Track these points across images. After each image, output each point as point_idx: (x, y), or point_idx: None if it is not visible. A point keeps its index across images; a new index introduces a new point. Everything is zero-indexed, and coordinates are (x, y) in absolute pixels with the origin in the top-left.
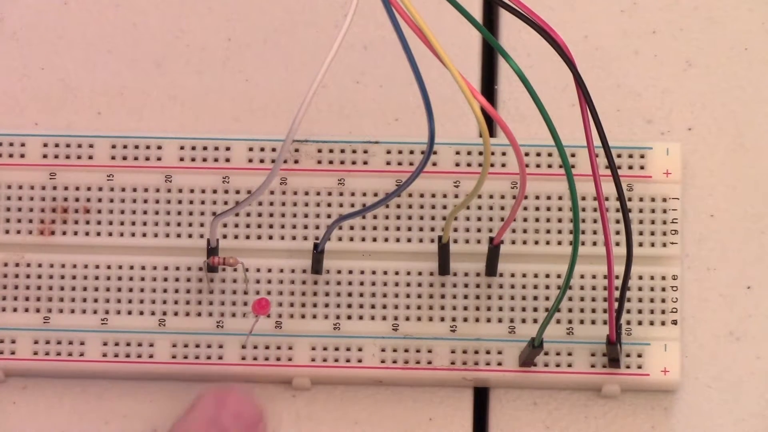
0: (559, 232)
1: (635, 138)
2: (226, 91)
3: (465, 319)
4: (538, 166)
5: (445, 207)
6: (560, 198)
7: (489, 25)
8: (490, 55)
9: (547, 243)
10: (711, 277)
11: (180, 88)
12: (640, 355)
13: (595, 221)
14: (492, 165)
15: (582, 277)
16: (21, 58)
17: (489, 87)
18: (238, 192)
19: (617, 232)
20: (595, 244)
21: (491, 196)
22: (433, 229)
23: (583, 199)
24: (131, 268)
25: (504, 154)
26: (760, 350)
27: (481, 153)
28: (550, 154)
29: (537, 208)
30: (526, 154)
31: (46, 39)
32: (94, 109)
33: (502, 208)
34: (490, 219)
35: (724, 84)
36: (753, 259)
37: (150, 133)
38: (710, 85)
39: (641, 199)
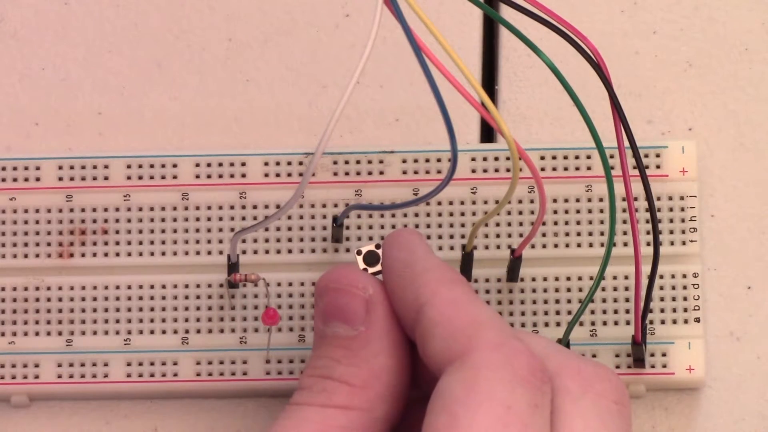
0: (578, 234)
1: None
2: (227, 91)
3: None
4: (554, 169)
5: (462, 214)
6: (578, 200)
7: (489, 23)
8: (491, 55)
9: (567, 246)
10: (711, 277)
11: (180, 88)
12: (664, 354)
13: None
14: (507, 170)
15: (603, 278)
16: (21, 58)
17: (489, 87)
18: (255, 207)
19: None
20: (614, 245)
21: (509, 201)
22: (452, 237)
23: (600, 200)
24: (152, 287)
25: (519, 158)
26: (760, 350)
27: (497, 158)
28: (554, 157)
29: (555, 212)
30: (541, 158)
31: (46, 39)
32: (94, 109)
33: (520, 213)
34: (509, 224)
35: (724, 84)
36: (753, 259)
37: (165, 151)
38: (710, 85)
39: (659, 198)
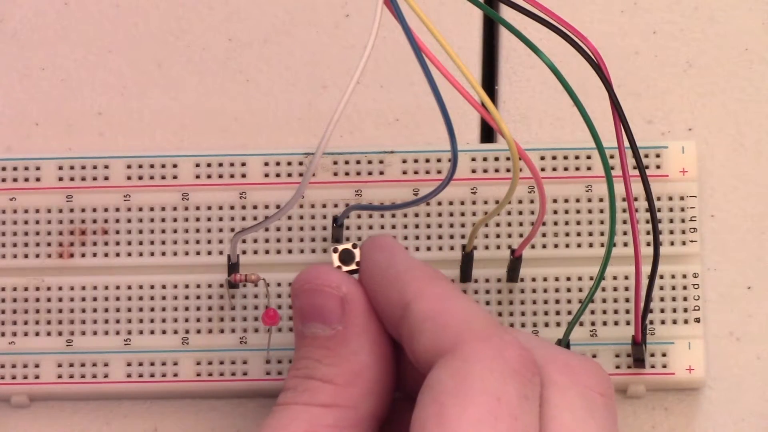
0: (578, 234)
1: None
2: (227, 91)
3: None
4: (554, 169)
5: (463, 214)
6: (578, 200)
7: (489, 23)
8: (491, 55)
9: (567, 246)
10: (711, 277)
11: (180, 88)
12: (664, 354)
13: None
14: (507, 170)
15: (603, 278)
16: (21, 58)
17: (489, 87)
18: (255, 207)
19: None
20: (614, 245)
21: (509, 202)
22: (452, 237)
23: (600, 200)
24: (152, 287)
25: (519, 158)
26: (760, 350)
27: (497, 158)
28: (554, 157)
29: (555, 212)
30: (541, 158)
31: (46, 39)
32: (95, 109)
33: (520, 213)
34: (509, 224)
35: (724, 84)
36: (753, 259)
37: (165, 151)
38: (710, 85)
39: (659, 198)
